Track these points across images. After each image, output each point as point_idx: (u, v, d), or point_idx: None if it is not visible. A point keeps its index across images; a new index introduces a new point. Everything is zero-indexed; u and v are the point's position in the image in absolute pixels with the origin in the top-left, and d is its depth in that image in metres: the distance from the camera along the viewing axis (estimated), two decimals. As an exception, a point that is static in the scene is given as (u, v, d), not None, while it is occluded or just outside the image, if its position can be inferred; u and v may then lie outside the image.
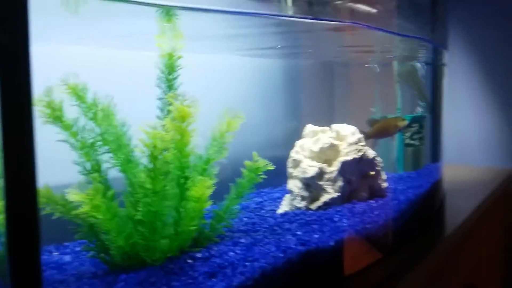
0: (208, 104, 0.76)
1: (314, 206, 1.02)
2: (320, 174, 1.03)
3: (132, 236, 0.69)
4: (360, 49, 1.17)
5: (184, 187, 0.74)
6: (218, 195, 0.83)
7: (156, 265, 0.69)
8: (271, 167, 0.85)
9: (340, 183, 1.03)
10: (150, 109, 0.79)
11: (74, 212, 0.65)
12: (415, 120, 1.45)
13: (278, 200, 1.14)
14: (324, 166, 1.04)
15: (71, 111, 0.70)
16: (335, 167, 1.04)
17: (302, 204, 1.03)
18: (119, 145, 0.74)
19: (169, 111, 0.74)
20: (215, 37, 0.99)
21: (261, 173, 0.84)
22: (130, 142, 0.76)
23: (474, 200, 1.49)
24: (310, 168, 1.03)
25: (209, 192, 0.74)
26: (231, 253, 0.74)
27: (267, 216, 1.00)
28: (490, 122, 2.30)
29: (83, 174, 0.72)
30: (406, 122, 1.25)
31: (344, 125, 1.11)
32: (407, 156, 1.47)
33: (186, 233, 0.74)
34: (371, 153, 1.10)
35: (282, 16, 0.84)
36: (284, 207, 1.07)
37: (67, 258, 0.77)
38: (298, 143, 1.10)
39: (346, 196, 1.03)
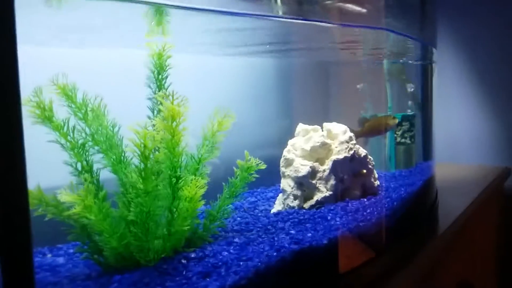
0: (201, 103, 0.76)
1: (307, 205, 1.02)
2: (313, 173, 1.03)
3: (125, 237, 0.69)
4: (349, 46, 1.17)
5: (176, 187, 0.74)
6: (211, 195, 0.83)
7: (150, 266, 0.69)
8: (263, 166, 0.85)
9: (332, 181, 1.03)
10: (141, 109, 0.79)
11: (66, 213, 0.65)
12: (406, 118, 1.46)
13: (272, 199, 1.14)
14: (316, 165, 1.04)
15: (61, 112, 0.70)
16: (327, 165, 1.04)
17: (295, 203, 1.03)
18: (110, 145, 0.74)
19: (159, 111, 0.74)
20: (205, 36, 0.99)
21: (253, 172, 0.85)
22: (121, 142, 0.76)
23: (466, 198, 1.50)
24: (302, 167, 1.03)
25: (202, 191, 0.74)
26: (225, 253, 0.74)
27: (261, 216, 1.00)
28: (481, 120, 2.31)
29: (74, 175, 0.72)
30: (396, 121, 1.26)
31: (335, 123, 1.11)
32: (399, 155, 1.47)
33: (180, 233, 0.74)
34: (362, 151, 1.11)
35: (272, 16, 0.84)
36: (277, 206, 1.07)
37: (60, 260, 0.77)
38: (290, 142, 1.10)
39: (339, 195, 1.04)
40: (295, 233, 0.84)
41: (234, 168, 0.86)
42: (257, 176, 0.86)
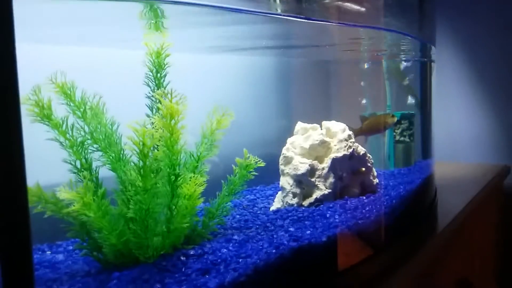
0: (201, 102, 0.76)
1: (306, 202, 1.03)
2: (312, 170, 1.04)
3: (124, 234, 0.69)
4: (348, 46, 1.18)
5: (175, 184, 0.74)
6: (210, 192, 0.83)
7: (149, 263, 0.69)
8: (262, 164, 0.85)
9: (331, 179, 1.03)
10: (140, 107, 0.79)
11: (65, 210, 0.65)
12: (405, 117, 1.46)
13: (271, 197, 1.15)
14: (315, 163, 1.05)
15: (60, 110, 0.70)
16: (326, 163, 1.04)
17: (294, 200, 1.03)
18: (109, 143, 0.74)
19: (158, 109, 0.74)
20: (204, 35, 0.99)
21: (252, 170, 0.85)
22: (120, 140, 0.76)
23: (465, 196, 1.50)
24: (301, 165, 1.04)
25: (201, 189, 0.74)
26: (224, 250, 0.74)
27: (260, 213, 1.00)
28: (481, 118, 2.31)
29: (73, 173, 0.72)
30: (395, 119, 1.26)
31: (334, 122, 1.11)
32: (398, 153, 1.48)
33: (179, 230, 0.75)
34: (361, 149, 1.11)
35: (272, 14, 0.84)
36: (276, 204, 1.07)
37: (60, 257, 0.77)
38: (289, 140, 1.11)
39: (338, 193, 1.04)
40: (294, 230, 0.84)
41: (233, 166, 0.86)
42: (256, 174, 0.86)
